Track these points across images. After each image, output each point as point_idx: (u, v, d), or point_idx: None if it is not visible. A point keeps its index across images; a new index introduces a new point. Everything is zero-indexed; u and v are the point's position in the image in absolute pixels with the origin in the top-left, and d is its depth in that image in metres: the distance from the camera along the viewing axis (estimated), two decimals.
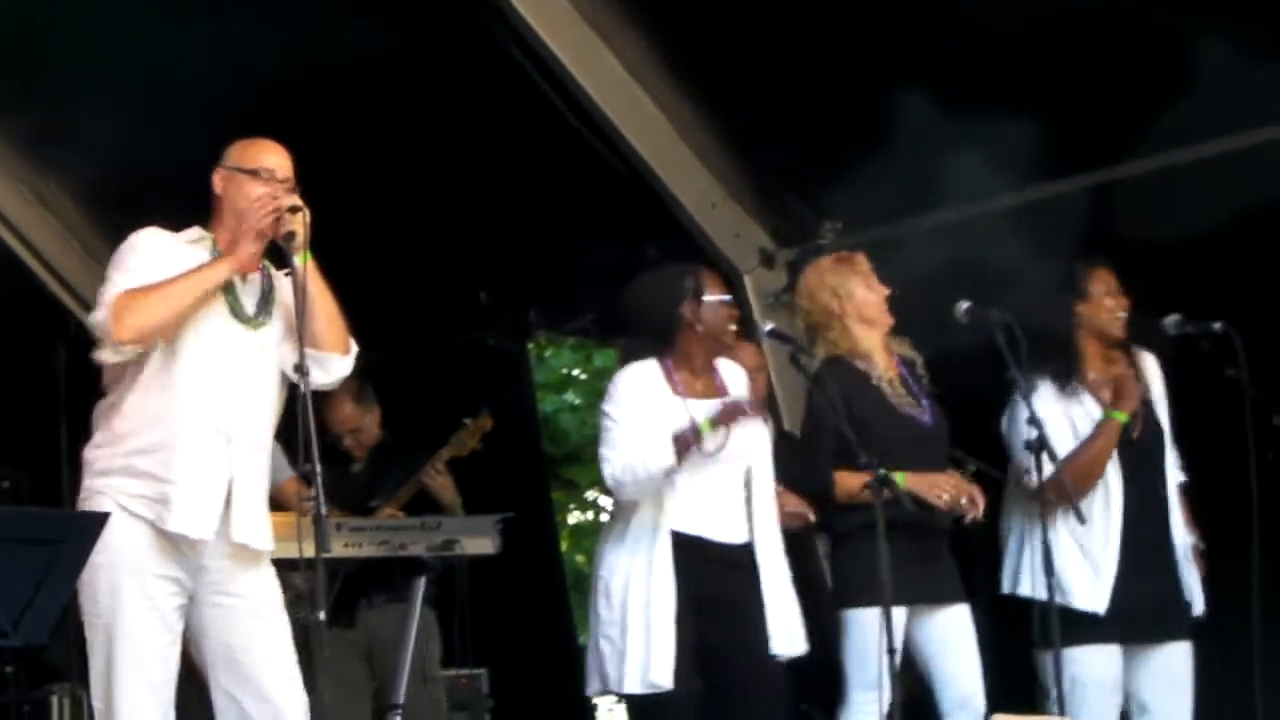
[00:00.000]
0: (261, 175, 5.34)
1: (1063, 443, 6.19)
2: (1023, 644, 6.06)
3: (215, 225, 5.41)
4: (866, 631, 6.10)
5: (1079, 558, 6.20)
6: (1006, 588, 6.31)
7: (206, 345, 5.26)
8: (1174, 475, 6.42)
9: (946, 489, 6.15)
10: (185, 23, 7.81)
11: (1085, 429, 6.27)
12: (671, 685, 5.84)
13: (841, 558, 6.38)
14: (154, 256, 5.28)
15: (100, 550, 5.07)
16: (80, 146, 9.15)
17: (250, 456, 5.28)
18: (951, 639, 6.29)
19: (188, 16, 7.80)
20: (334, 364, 5.38)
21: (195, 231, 5.42)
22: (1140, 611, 6.21)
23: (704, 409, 6.01)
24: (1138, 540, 6.24)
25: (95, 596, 5.19)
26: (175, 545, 5.21)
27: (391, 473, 7.63)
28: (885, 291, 6.39)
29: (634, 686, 5.90)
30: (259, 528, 5.30)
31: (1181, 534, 6.35)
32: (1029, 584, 6.22)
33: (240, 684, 5.23)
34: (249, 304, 5.35)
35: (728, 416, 5.93)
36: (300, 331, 5.18)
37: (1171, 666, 6.28)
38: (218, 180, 5.40)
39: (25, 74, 8.54)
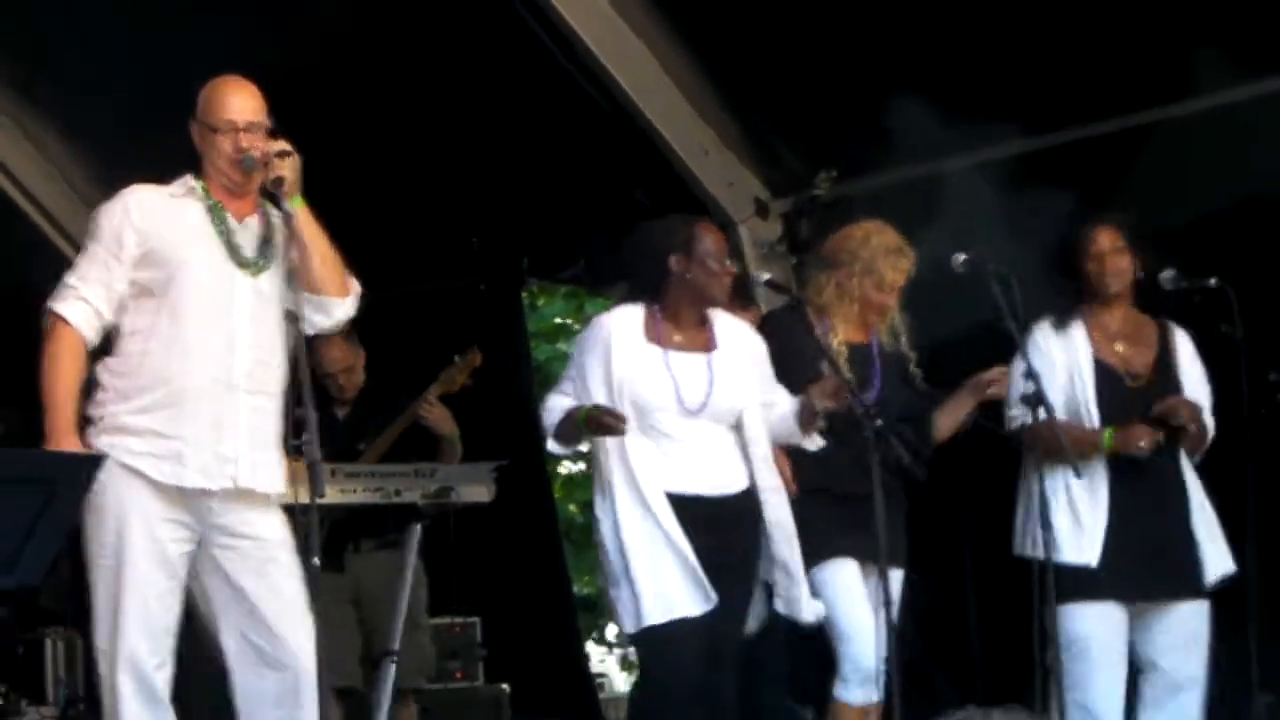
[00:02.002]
0: (222, 130, 5.25)
1: (1051, 380, 6.16)
2: (1024, 604, 6.01)
3: (205, 173, 5.35)
4: (833, 582, 6.11)
5: (1069, 512, 6.17)
6: (1017, 549, 6.26)
7: (207, 293, 5.22)
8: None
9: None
10: None
11: (1068, 364, 6.25)
12: (691, 611, 5.78)
13: (797, 515, 6.17)
14: (117, 242, 5.21)
15: (107, 493, 5.09)
16: (69, 85, 9.13)
17: (256, 401, 5.23)
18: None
19: None
20: (334, 307, 5.35)
21: (184, 184, 5.35)
22: (1142, 569, 6.13)
23: (680, 361, 5.99)
24: (1136, 496, 6.19)
25: (101, 539, 5.18)
26: (183, 493, 5.20)
27: (376, 417, 7.61)
28: (891, 302, 6.34)
29: (656, 617, 5.81)
30: (267, 472, 5.26)
31: (1200, 497, 6.27)
32: (1030, 543, 6.18)
33: (253, 625, 5.21)
34: (247, 248, 5.30)
35: (593, 424, 5.85)
36: (299, 276, 5.18)
37: (1182, 625, 6.20)
38: (193, 132, 5.34)
39: (15, 13, 8.51)
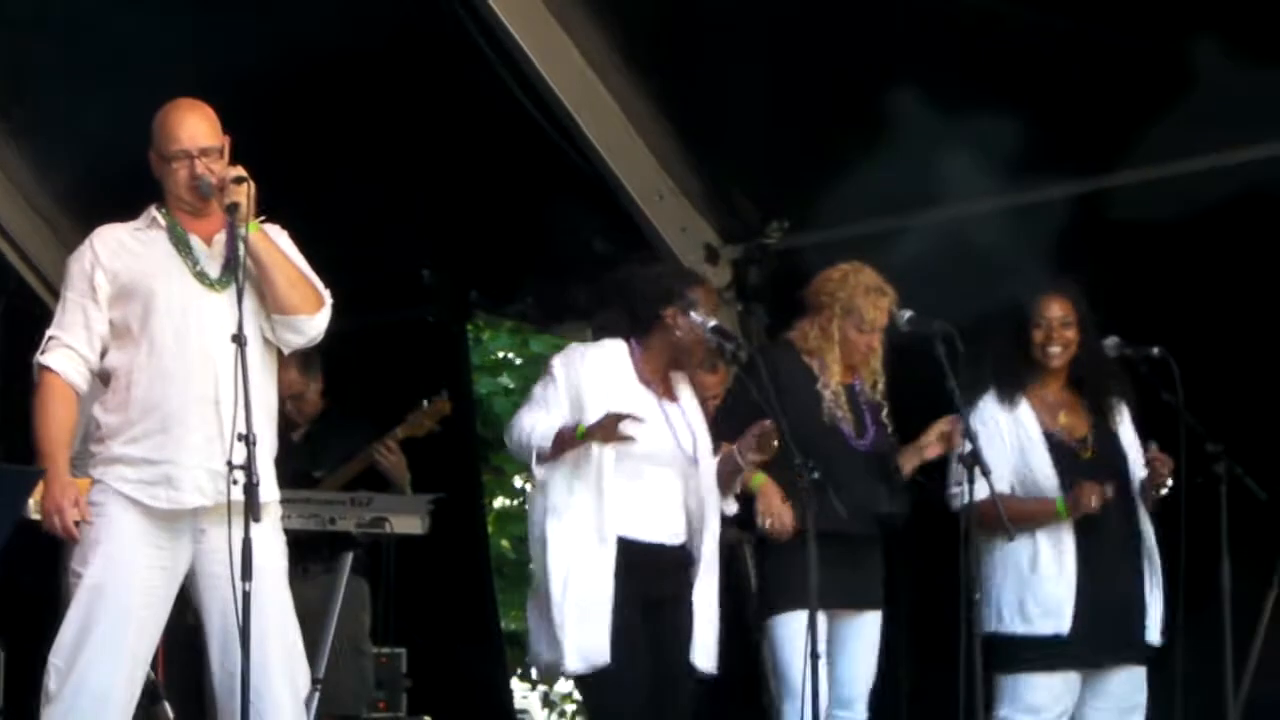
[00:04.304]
0: (176, 160, 5.25)
1: (1000, 452, 6.19)
2: (944, 658, 6.02)
3: (168, 200, 5.34)
4: (794, 636, 6.11)
5: (1038, 581, 6.17)
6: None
7: (179, 318, 5.22)
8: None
9: (769, 514, 6.10)
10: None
11: (1018, 438, 6.27)
12: (609, 661, 5.82)
13: (769, 563, 6.31)
14: (90, 285, 5.25)
15: (100, 516, 5.14)
16: (25, 103, 9.10)
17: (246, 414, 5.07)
18: (852, 641, 6.28)
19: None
20: (305, 324, 5.32)
21: (148, 216, 5.35)
22: (1095, 635, 6.18)
23: (671, 409, 6.00)
24: (1090, 563, 6.21)
25: (85, 557, 5.18)
26: (176, 517, 5.18)
27: (333, 443, 7.58)
28: (875, 344, 6.33)
29: (575, 665, 5.87)
30: (263, 482, 5.14)
31: (1152, 552, 6.30)
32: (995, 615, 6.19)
33: (233, 655, 5.05)
34: (212, 268, 5.28)
35: (604, 433, 5.86)
36: (265, 296, 5.21)
37: (1124, 691, 6.25)
38: (151, 162, 5.33)
39: None
